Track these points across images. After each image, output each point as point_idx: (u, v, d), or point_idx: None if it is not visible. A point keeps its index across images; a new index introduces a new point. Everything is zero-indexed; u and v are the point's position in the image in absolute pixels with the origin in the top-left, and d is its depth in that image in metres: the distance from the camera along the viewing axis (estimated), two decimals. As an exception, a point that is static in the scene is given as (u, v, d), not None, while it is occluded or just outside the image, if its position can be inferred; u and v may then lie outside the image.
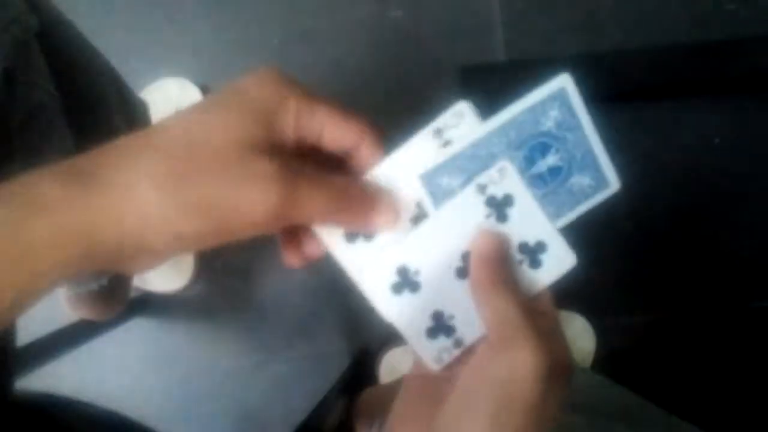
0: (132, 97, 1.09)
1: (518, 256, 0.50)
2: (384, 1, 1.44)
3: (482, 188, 0.49)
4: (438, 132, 0.49)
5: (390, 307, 0.50)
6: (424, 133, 0.49)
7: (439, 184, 0.49)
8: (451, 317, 0.50)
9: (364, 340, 1.37)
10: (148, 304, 1.39)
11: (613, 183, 0.51)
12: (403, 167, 0.49)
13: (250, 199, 0.40)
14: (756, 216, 1.38)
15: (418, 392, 0.51)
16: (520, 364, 0.44)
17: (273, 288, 1.40)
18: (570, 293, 1.35)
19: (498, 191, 0.49)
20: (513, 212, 0.49)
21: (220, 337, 1.41)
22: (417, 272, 0.49)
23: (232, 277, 1.40)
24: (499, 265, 0.48)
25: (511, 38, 1.42)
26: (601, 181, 0.50)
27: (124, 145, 0.41)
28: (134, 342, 1.39)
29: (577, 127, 0.49)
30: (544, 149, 0.49)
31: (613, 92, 1.39)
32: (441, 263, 0.49)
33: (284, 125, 0.44)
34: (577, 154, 0.50)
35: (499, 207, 0.49)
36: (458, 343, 0.50)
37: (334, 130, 0.46)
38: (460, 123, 0.49)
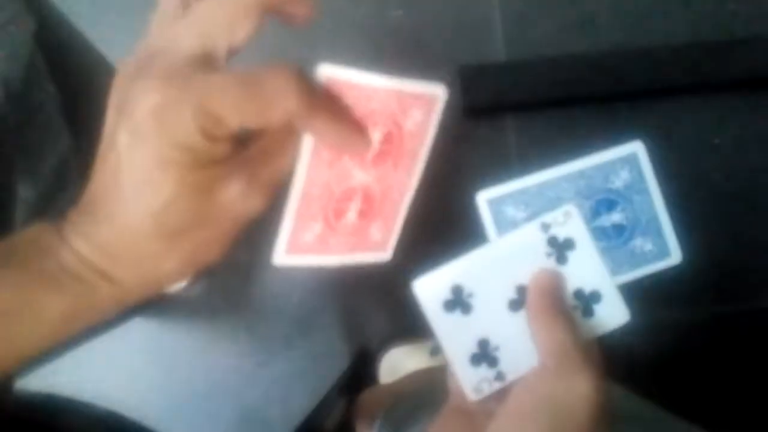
0: None
1: (572, 302, 0.51)
2: (384, 1, 1.44)
3: (546, 227, 0.50)
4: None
5: (440, 321, 0.50)
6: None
7: (503, 212, 0.52)
8: (497, 348, 0.50)
9: (364, 340, 1.37)
10: (148, 304, 1.39)
11: (675, 255, 0.55)
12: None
13: (235, 215, 0.41)
14: (756, 216, 1.38)
15: (453, 422, 0.52)
16: (579, 390, 0.45)
17: (273, 288, 1.40)
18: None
19: (561, 233, 0.50)
20: (573, 256, 0.51)
21: (220, 336, 1.41)
22: (470, 294, 0.50)
23: (232, 277, 1.40)
24: (558, 298, 0.49)
25: (511, 38, 1.42)
26: (662, 250, 0.54)
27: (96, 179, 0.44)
28: (134, 342, 1.39)
29: (645, 191, 0.53)
30: (610, 205, 0.52)
31: (612, 93, 1.39)
32: (495, 291, 0.50)
33: (192, 141, 0.39)
34: (642, 218, 0.53)
35: (561, 249, 0.50)
36: (500, 377, 0.50)
37: (240, 108, 0.39)
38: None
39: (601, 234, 0.52)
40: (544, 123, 1.37)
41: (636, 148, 0.52)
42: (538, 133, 1.38)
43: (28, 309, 0.39)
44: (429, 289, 0.50)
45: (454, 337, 0.50)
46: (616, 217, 0.52)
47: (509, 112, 1.36)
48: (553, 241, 0.50)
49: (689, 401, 1.01)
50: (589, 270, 0.51)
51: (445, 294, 0.50)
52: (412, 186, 0.50)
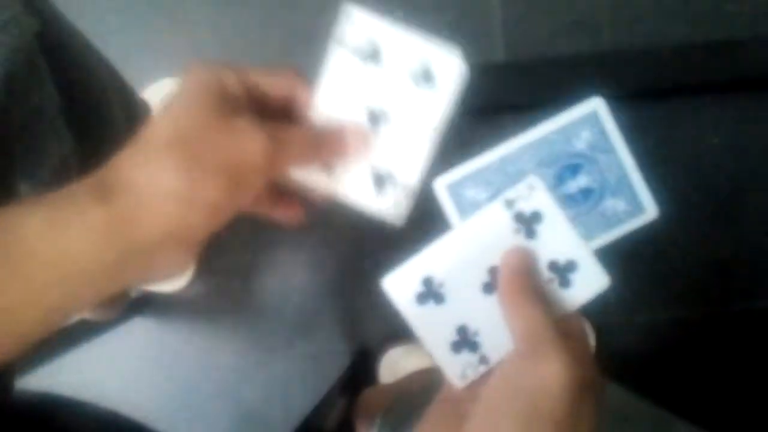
0: (134, 97, 1.09)
1: (548, 275, 0.50)
2: (384, 2, 1.44)
3: (510, 203, 0.49)
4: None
5: (415, 315, 0.50)
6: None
7: (464, 195, 0.50)
8: (476, 333, 0.50)
9: (364, 340, 1.37)
10: (148, 304, 1.39)
11: (650, 210, 0.51)
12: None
13: (246, 147, 0.45)
14: (756, 216, 1.38)
15: (442, 413, 0.52)
16: (550, 377, 0.44)
17: (273, 288, 1.40)
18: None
19: (526, 207, 0.49)
20: (542, 229, 0.49)
21: (220, 336, 1.41)
22: (442, 284, 0.49)
23: (232, 277, 1.40)
24: (528, 278, 0.49)
25: (510, 39, 1.42)
26: (636, 207, 0.51)
27: (131, 148, 0.46)
28: (134, 342, 1.39)
29: (610, 150, 0.50)
30: (575, 169, 0.50)
31: (611, 93, 1.39)
32: (466, 277, 0.49)
33: (233, 90, 0.49)
34: (611, 178, 0.50)
35: (528, 223, 0.49)
36: (483, 360, 0.50)
37: (269, 82, 0.52)
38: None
39: (569, 201, 0.50)
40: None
41: (595, 106, 0.50)
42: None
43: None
44: (399, 284, 0.49)
45: (432, 328, 0.50)
46: (582, 180, 0.50)
47: (509, 112, 1.36)
48: (519, 217, 0.49)
49: (688, 401, 1.01)
50: (560, 240, 0.49)
51: (416, 287, 0.49)
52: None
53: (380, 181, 0.50)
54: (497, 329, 0.49)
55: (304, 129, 0.52)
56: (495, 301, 0.49)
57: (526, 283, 0.48)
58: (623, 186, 0.50)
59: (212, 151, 0.44)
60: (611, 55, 1.39)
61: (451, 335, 0.49)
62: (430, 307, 0.49)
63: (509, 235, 0.49)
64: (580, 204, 0.50)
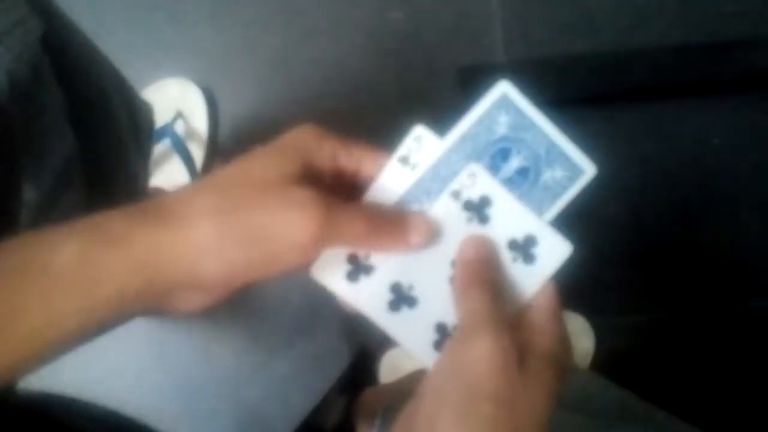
0: (136, 99, 1.09)
1: (510, 255, 0.50)
2: (384, 2, 1.44)
3: (457, 194, 0.49)
4: (404, 159, 0.50)
5: (392, 325, 0.50)
6: (392, 164, 0.50)
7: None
8: (455, 328, 0.50)
9: (364, 340, 1.37)
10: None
11: (588, 168, 0.51)
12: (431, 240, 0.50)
13: (292, 223, 0.43)
14: (756, 216, 1.38)
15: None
16: (480, 356, 0.44)
17: (273, 288, 1.40)
18: (570, 293, 1.36)
19: (473, 194, 0.50)
20: (493, 212, 0.50)
21: (219, 336, 1.41)
22: (411, 287, 0.49)
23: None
24: (478, 267, 0.49)
25: (510, 39, 1.42)
26: (574, 170, 0.51)
27: (184, 187, 0.46)
28: (134, 342, 1.39)
29: (531, 126, 0.50)
30: (504, 154, 0.50)
31: (612, 93, 1.39)
32: (433, 274, 0.50)
33: (321, 162, 0.48)
34: (541, 151, 0.50)
35: (479, 209, 0.50)
36: None
37: (348, 154, 0.49)
38: (421, 146, 0.50)
39: (509, 185, 0.50)
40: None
41: (503, 89, 0.50)
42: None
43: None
44: (369, 296, 0.49)
45: (410, 332, 0.50)
46: (515, 162, 0.50)
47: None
48: (469, 205, 0.50)
49: (688, 401, 1.01)
50: (514, 218, 0.50)
51: (386, 296, 0.49)
52: None
53: (397, 303, 0.50)
54: None
55: (364, 208, 0.50)
56: None
57: (475, 270, 0.49)
58: (554, 155, 0.50)
59: (252, 215, 0.43)
60: (611, 56, 1.39)
61: (431, 335, 0.50)
62: (405, 312, 0.50)
63: (463, 225, 0.50)
64: (521, 184, 0.50)
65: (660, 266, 1.36)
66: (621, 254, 1.35)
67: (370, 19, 1.45)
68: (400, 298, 0.49)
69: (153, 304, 0.44)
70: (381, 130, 0.50)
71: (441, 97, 1.37)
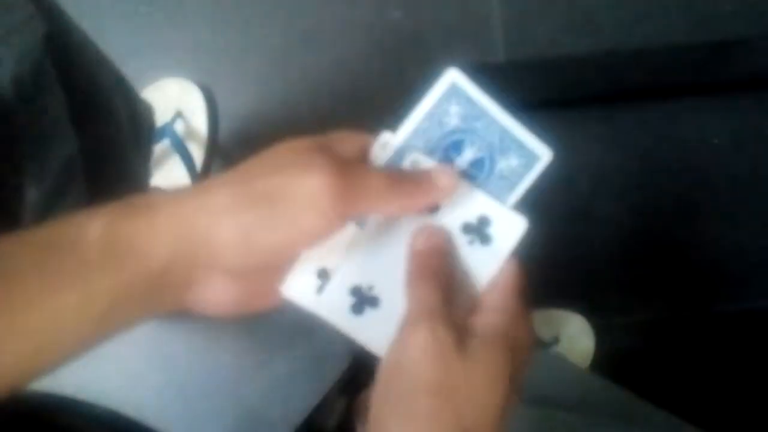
0: (136, 99, 1.09)
1: (467, 238, 0.49)
2: (384, 2, 1.44)
3: None
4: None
5: (357, 328, 0.49)
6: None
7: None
8: None
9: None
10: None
11: (544, 154, 0.50)
12: (382, 235, 0.49)
13: (309, 182, 0.42)
14: (756, 216, 1.38)
15: None
16: (413, 346, 0.44)
17: (273, 288, 1.39)
18: (570, 293, 1.36)
19: None
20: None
21: (220, 336, 1.40)
22: (371, 287, 0.48)
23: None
24: (426, 258, 0.48)
25: (510, 39, 1.42)
26: (530, 157, 0.49)
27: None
28: (134, 342, 1.38)
29: (482, 114, 0.48)
30: (457, 146, 0.49)
31: (612, 93, 1.39)
32: (391, 271, 0.48)
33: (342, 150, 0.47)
34: (494, 140, 0.49)
35: None
36: None
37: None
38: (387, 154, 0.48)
39: (466, 177, 0.49)
40: (544, 124, 1.34)
41: (452, 78, 0.48)
42: (538, 133, 1.35)
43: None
44: (330, 303, 0.48)
45: (376, 334, 0.48)
46: (468, 154, 0.48)
47: (509, 112, 1.35)
48: None
49: (688, 401, 1.01)
50: (463, 201, 0.48)
51: (347, 300, 0.48)
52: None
53: (359, 306, 0.49)
54: None
55: (384, 170, 0.48)
56: None
57: (425, 264, 0.47)
58: (508, 142, 0.49)
59: (268, 179, 0.43)
60: (611, 55, 1.39)
61: (396, 332, 0.48)
62: (368, 314, 0.48)
63: (413, 215, 0.48)
64: (477, 176, 0.49)
65: (660, 266, 1.36)
66: (621, 254, 1.34)
67: (370, 18, 1.45)
68: (362, 300, 0.48)
69: (178, 286, 0.43)
70: (380, 130, 0.49)
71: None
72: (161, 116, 1.30)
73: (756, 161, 1.39)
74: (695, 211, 1.38)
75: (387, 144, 0.48)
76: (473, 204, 0.49)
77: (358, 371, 1.36)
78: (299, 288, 0.48)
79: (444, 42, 1.43)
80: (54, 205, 0.79)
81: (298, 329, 1.41)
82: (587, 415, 0.76)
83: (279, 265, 0.47)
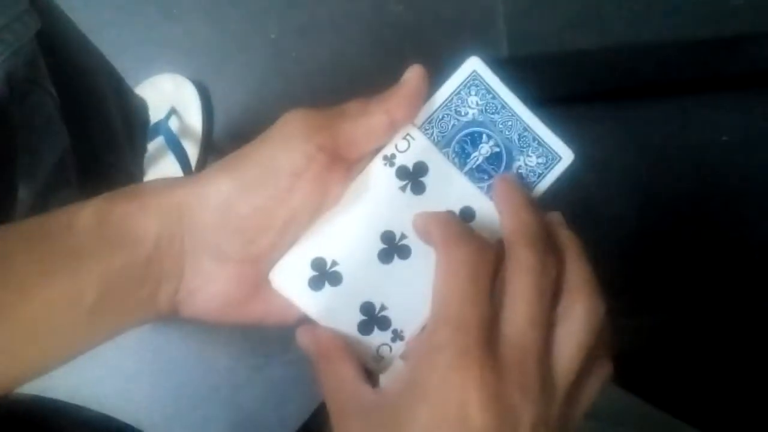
0: (131, 95, 1.10)
1: None
2: (385, -5, 1.44)
3: (390, 159, 0.46)
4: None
5: (313, 304, 0.45)
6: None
7: None
8: (383, 308, 0.45)
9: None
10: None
11: (565, 155, 0.47)
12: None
13: (282, 129, 0.43)
14: (765, 215, 1.37)
15: None
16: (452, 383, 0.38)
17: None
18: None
19: (408, 160, 0.45)
20: (429, 181, 0.46)
21: (215, 340, 1.41)
22: (335, 263, 0.45)
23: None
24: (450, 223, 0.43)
25: (513, 33, 1.41)
26: (550, 157, 0.47)
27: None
28: (129, 345, 1.38)
29: (503, 107, 0.46)
30: (474, 139, 0.46)
31: (619, 89, 1.39)
32: (360, 249, 0.45)
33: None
34: (513, 136, 0.47)
35: (413, 177, 0.46)
36: (397, 336, 0.46)
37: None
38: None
39: (481, 173, 0.46)
40: (548, 119, 1.34)
41: (474, 66, 0.46)
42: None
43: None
44: (288, 274, 0.45)
45: (334, 314, 0.45)
46: (485, 148, 0.46)
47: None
48: (402, 172, 0.45)
49: (687, 403, 1.00)
50: (451, 189, 0.46)
51: (307, 272, 0.45)
52: None
53: (318, 280, 0.45)
54: (405, 299, 0.45)
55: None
56: (396, 270, 0.45)
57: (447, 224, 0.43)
58: (528, 140, 0.47)
59: (250, 145, 0.43)
60: (618, 51, 1.39)
61: (357, 316, 0.45)
62: (327, 291, 0.45)
63: (396, 194, 0.45)
64: (494, 172, 0.47)
65: (664, 266, 1.36)
66: (625, 254, 1.34)
67: (369, 12, 1.44)
68: (323, 276, 0.45)
69: (169, 277, 0.43)
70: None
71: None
72: (155, 113, 1.30)
73: (766, 159, 1.39)
74: (702, 210, 1.38)
75: (411, 134, 0.46)
76: (459, 192, 0.46)
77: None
78: (288, 275, 0.45)
79: (446, 36, 1.43)
80: (46, 202, 0.79)
81: (294, 332, 1.40)
82: (587, 416, 0.75)
83: (269, 253, 0.44)
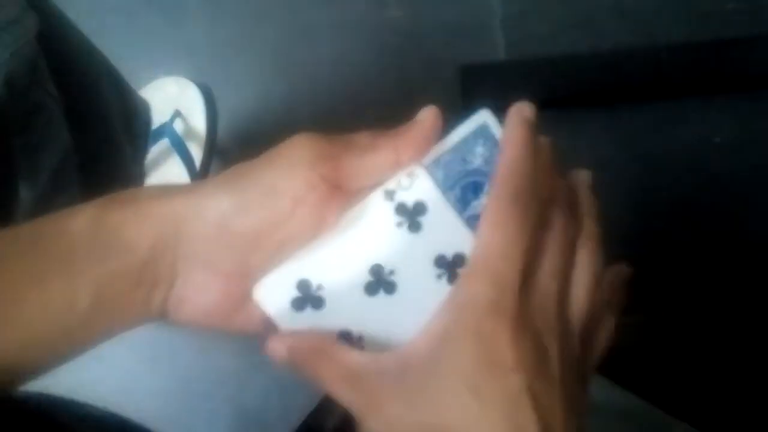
0: (133, 96, 1.09)
1: (436, 270, 0.45)
2: (383, 1, 1.44)
3: (390, 194, 0.45)
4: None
5: (292, 324, 0.45)
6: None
7: None
8: (360, 338, 0.45)
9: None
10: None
11: None
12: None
13: (288, 154, 0.42)
14: (757, 215, 1.37)
15: None
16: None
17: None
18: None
19: (408, 198, 0.45)
20: (426, 221, 0.45)
21: (218, 338, 1.40)
22: (320, 286, 0.45)
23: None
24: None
25: (511, 37, 1.42)
26: None
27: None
28: (132, 342, 1.37)
29: None
30: (476, 188, 0.46)
31: (613, 92, 1.39)
32: (347, 277, 0.45)
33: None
34: None
35: (411, 216, 0.45)
36: None
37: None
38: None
39: (477, 222, 0.45)
40: (545, 123, 1.33)
41: (484, 118, 0.46)
42: (539, 132, 1.34)
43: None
44: (272, 291, 0.45)
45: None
46: (485, 199, 0.45)
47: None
48: (401, 209, 0.45)
49: (685, 401, 1.00)
50: (446, 233, 0.45)
51: (291, 292, 0.45)
52: None
53: (301, 302, 0.46)
54: (383, 333, 0.45)
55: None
56: (379, 304, 0.45)
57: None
58: None
59: (252, 164, 0.43)
60: (613, 54, 1.39)
61: None
62: (308, 313, 0.45)
63: (391, 230, 0.45)
64: None
65: (660, 266, 1.36)
66: (621, 254, 1.34)
67: (369, 16, 1.44)
68: (306, 298, 0.45)
69: (163, 281, 0.43)
70: (380, 129, 0.48)
71: (441, 96, 1.35)
72: (160, 115, 1.30)
73: (759, 161, 1.38)
74: (697, 211, 1.37)
75: (413, 174, 0.46)
76: (455, 238, 0.46)
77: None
78: (271, 292, 0.45)
79: (444, 41, 1.43)
80: (47, 205, 0.78)
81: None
82: (585, 414, 0.76)
83: (259, 270, 0.45)
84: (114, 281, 0.41)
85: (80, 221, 0.41)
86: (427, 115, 0.44)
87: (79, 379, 1.35)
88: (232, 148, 1.40)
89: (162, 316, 0.45)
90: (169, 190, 0.43)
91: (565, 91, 1.37)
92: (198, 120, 1.37)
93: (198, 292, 0.44)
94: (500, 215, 0.42)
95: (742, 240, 1.37)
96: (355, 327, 0.45)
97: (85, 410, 0.73)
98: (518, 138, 0.44)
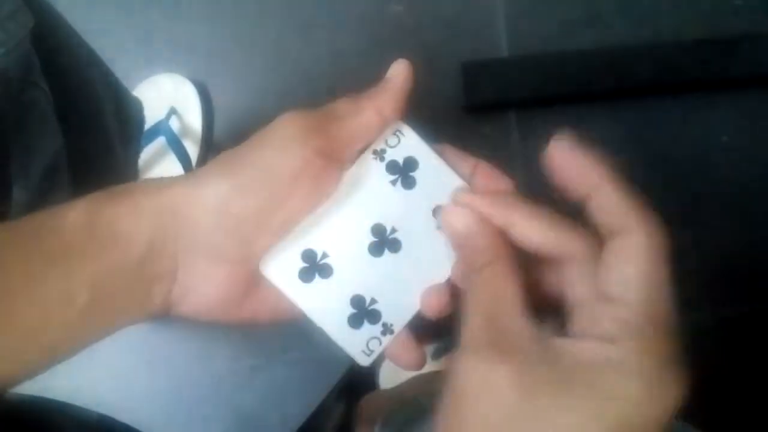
0: (126, 95, 1.09)
1: (436, 222, 0.47)
2: (385, -5, 1.44)
3: (380, 154, 0.46)
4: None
5: (303, 295, 0.46)
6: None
7: None
8: (373, 301, 0.46)
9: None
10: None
11: None
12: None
13: (281, 133, 0.43)
14: (764, 214, 1.37)
15: None
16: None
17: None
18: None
19: (398, 155, 0.47)
20: (419, 176, 0.47)
21: (215, 340, 1.40)
22: (325, 254, 0.46)
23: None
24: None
25: (513, 34, 1.41)
26: None
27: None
28: (128, 345, 1.37)
29: None
30: None
31: (618, 89, 1.38)
32: (350, 241, 0.46)
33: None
34: None
35: (403, 171, 0.47)
36: (387, 330, 0.46)
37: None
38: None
39: None
40: (549, 120, 1.35)
41: None
42: (542, 130, 1.34)
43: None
44: (279, 264, 0.46)
45: (324, 306, 0.46)
46: None
47: (512, 109, 1.36)
48: (393, 167, 0.46)
49: (689, 403, 0.99)
50: (440, 183, 0.47)
51: (297, 264, 0.46)
52: None
53: (308, 272, 0.46)
54: (395, 293, 0.46)
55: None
56: (386, 262, 0.46)
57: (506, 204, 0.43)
58: None
59: (247, 146, 0.43)
60: (617, 51, 1.39)
61: (347, 309, 0.46)
62: (317, 282, 0.46)
63: (386, 188, 0.46)
64: None
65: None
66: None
67: (370, 12, 1.44)
68: (313, 267, 0.46)
69: (163, 275, 0.42)
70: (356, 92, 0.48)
71: (443, 92, 1.36)
72: (155, 113, 1.30)
73: (765, 159, 1.38)
74: (702, 211, 1.37)
75: (400, 132, 0.47)
76: (449, 188, 0.47)
77: (357, 376, 1.34)
78: (279, 266, 0.46)
79: (446, 37, 1.42)
80: (43, 201, 0.77)
81: (295, 333, 1.39)
82: None
83: (264, 254, 0.45)
84: (112, 276, 0.41)
85: (74, 216, 0.41)
86: (399, 69, 0.47)
87: (75, 383, 1.33)
88: (228, 146, 1.40)
89: (167, 310, 0.45)
90: (163, 182, 0.43)
91: (569, 88, 1.36)
92: (194, 117, 1.37)
93: (203, 282, 0.43)
94: (658, 246, 0.41)
95: (749, 241, 1.37)
96: (366, 291, 0.46)
97: (80, 414, 0.73)
98: None
